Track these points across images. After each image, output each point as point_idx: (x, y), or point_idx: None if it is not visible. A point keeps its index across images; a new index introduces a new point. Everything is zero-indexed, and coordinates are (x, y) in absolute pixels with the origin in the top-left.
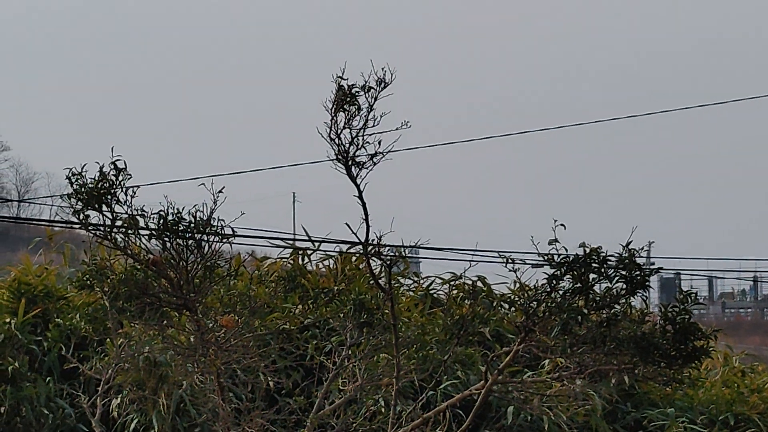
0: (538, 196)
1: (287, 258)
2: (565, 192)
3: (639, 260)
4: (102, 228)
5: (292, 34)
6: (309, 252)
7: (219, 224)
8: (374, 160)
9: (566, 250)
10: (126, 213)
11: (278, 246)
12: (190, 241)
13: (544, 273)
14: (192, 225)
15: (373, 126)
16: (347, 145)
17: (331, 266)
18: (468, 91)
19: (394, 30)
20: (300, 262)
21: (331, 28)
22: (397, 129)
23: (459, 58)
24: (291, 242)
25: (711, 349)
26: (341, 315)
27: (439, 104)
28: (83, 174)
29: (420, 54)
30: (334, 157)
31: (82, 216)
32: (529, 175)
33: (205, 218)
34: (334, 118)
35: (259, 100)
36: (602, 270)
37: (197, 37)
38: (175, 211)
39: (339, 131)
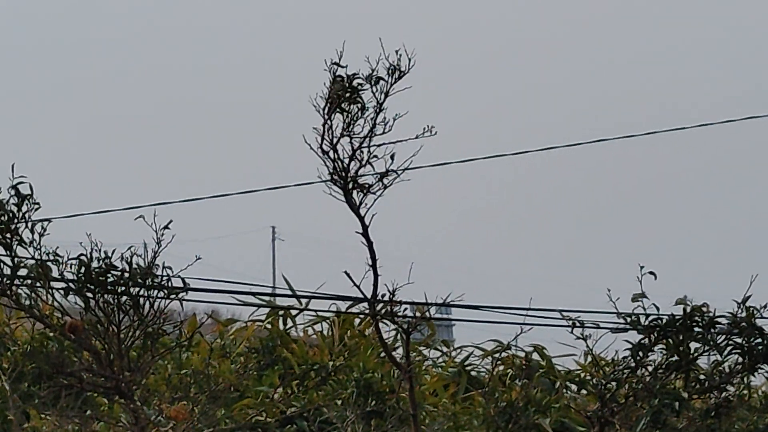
0: (607, 227)
1: (263, 321)
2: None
3: (761, 323)
4: None
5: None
6: (293, 312)
7: (165, 273)
8: (385, 181)
9: (657, 309)
10: (33, 258)
11: (250, 304)
12: (124, 298)
13: (627, 341)
14: (126, 274)
15: (383, 133)
16: (347, 161)
17: (324, 332)
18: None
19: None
20: (281, 326)
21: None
22: (417, 137)
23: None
24: (268, 299)
25: None
26: (339, 401)
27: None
28: None
29: (442, 58)
30: (328, 178)
31: None
32: (592, 199)
33: (145, 265)
34: (328, 122)
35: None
36: (709, 336)
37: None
38: (102, 255)
39: (335, 141)
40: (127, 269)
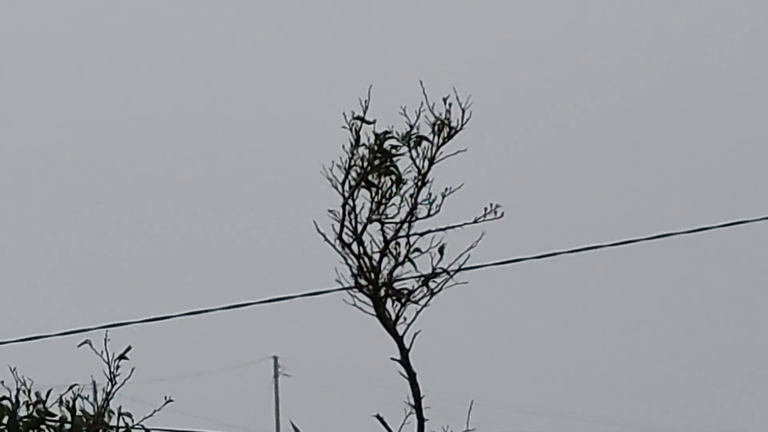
0: None
1: None
2: None
3: None
4: None
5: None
6: None
7: (124, 423)
8: (431, 284)
9: None
10: None
11: None
12: None
13: None
14: (68, 425)
15: (428, 216)
16: (377, 257)
17: None
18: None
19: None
20: None
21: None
22: (476, 221)
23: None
24: None
25: None
26: None
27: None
28: None
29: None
30: (350, 283)
31: None
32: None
33: (94, 411)
34: (350, 200)
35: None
36: None
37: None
38: (34, 397)
39: (359, 228)
40: (69, 418)
